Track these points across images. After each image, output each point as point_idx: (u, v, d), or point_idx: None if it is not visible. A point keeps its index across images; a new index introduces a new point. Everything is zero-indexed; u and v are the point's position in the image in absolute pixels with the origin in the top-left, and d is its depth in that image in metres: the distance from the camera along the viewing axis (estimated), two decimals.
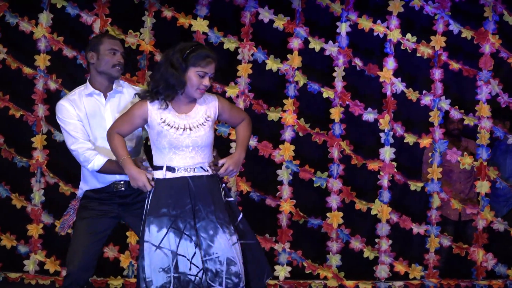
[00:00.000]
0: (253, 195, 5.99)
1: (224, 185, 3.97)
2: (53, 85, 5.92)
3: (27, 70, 5.93)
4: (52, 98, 5.96)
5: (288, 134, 6.02)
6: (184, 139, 3.83)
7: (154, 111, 3.87)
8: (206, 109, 3.92)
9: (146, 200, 3.90)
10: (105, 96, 4.26)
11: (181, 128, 3.83)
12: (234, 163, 3.97)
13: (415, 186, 6.12)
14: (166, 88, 3.83)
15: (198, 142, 3.84)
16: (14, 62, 5.93)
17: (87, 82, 4.31)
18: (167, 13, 5.98)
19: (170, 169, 3.85)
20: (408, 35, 6.08)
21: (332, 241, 6.07)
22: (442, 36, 6.09)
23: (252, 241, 3.96)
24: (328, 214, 6.08)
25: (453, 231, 6.31)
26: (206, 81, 3.83)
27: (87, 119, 4.23)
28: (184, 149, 3.83)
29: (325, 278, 6.08)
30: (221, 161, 3.95)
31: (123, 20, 6.02)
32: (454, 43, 6.15)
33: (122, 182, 4.28)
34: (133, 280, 5.93)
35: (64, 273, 5.95)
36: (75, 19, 5.94)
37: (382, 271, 6.11)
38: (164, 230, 3.79)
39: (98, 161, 4.18)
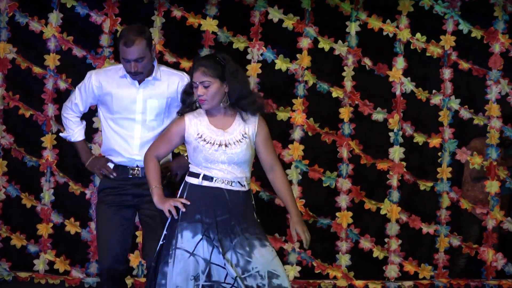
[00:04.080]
0: (262, 195, 6.00)
1: (253, 201, 3.89)
2: (62, 85, 5.93)
3: (36, 69, 5.94)
4: (62, 98, 5.98)
5: (297, 134, 6.02)
6: (219, 155, 3.74)
7: (192, 127, 3.79)
8: (245, 126, 3.80)
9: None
10: (140, 81, 4.16)
11: (216, 144, 3.74)
12: (300, 225, 3.86)
13: (424, 185, 6.12)
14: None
15: (234, 159, 3.75)
16: (24, 61, 5.93)
17: None
18: (177, 13, 5.99)
19: (207, 177, 3.77)
20: (418, 35, 6.08)
21: (342, 241, 6.07)
22: (451, 36, 6.08)
23: None
24: (337, 214, 6.07)
25: (479, 232, 6.28)
26: (197, 91, 3.74)
27: (112, 97, 4.18)
28: (220, 164, 3.75)
29: (335, 278, 6.08)
30: (298, 236, 3.87)
31: (132, 20, 5.97)
32: (464, 42, 6.14)
33: (137, 168, 4.20)
34: (143, 279, 5.93)
35: (74, 273, 5.96)
36: (84, 18, 5.95)
37: (391, 271, 6.10)
38: (199, 236, 3.70)
39: (75, 136, 4.35)
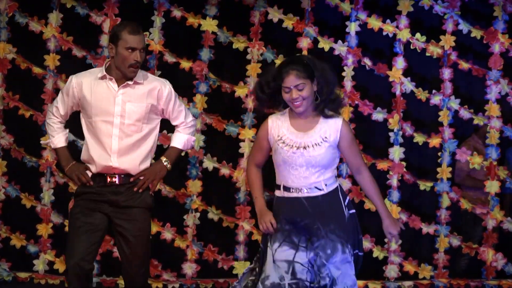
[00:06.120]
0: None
1: (348, 198, 3.90)
2: (62, 85, 5.92)
3: (36, 70, 5.94)
4: None
5: None
6: (297, 157, 3.78)
7: (274, 128, 3.86)
8: (326, 130, 3.83)
9: None
10: (119, 84, 4.11)
11: (295, 146, 3.79)
12: (393, 227, 3.96)
13: (424, 185, 6.12)
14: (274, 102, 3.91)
15: (312, 162, 3.78)
16: (24, 62, 5.94)
17: (104, 66, 4.17)
18: (177, 13, 5.99)
19: (286, 188, 3.83)
20: (418, 35, 6.09)
21: None
22: (451, 36, 6.09)
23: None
24: None
25: (481, 232, 6.25)
26: (291, 95, 3.76)
27: (92, 98, 4.13)
28: (298, 168, 3.79)
29: None
30: (390, 238, 4.00)
31: (132, 20, 5.94)
32: (464, 42, 6.15)
33: (114, 175, 4.15)
34: None
35: None
36: (84, 19, 5.96)
37: (391, 271, 6.10)
38: (277, 244, 3.79)
39: (54, 143, 4.28)
